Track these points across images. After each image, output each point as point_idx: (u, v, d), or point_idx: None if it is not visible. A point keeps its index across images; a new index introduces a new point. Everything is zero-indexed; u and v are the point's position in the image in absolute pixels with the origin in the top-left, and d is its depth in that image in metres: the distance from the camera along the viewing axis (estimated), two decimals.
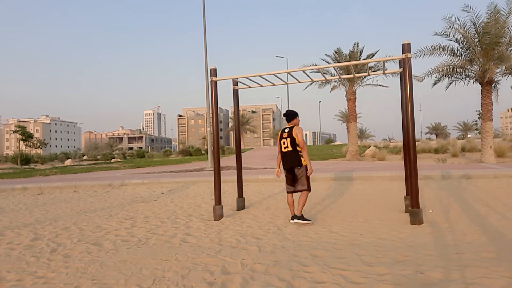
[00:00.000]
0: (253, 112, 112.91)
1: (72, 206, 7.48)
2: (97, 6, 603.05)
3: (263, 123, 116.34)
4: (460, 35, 14.21)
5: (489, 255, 3.28)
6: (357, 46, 20.35)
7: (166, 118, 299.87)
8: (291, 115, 5.04)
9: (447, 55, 14.94)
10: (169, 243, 4.31)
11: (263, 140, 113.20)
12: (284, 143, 4.99)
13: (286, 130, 5.03)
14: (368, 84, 20.57)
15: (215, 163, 5.82)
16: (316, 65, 18.47)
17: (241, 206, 6.36)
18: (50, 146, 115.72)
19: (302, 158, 4.92)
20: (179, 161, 24.23)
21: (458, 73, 15.18)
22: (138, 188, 10.08)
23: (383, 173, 9.73)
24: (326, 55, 20.92)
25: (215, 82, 5.79)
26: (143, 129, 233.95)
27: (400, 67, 5.32)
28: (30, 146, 41.28)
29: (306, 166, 4.92)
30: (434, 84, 15.94)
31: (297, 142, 4.89)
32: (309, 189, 4.98)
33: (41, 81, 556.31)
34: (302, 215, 5.04)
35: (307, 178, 4.94)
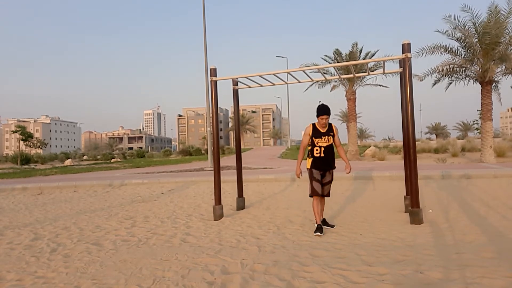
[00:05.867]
0: (253, 112, 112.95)
1: (72, 206, 7.48)
2: (97, 5, 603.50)
3: (263, 123, 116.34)
4: (461, 35, 14.22)
5: (489, 255, 3.28)
6: (356, 46, 20.38)
7: (166, 118, 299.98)
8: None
9: (447, 54, 14.97)
10: (169, 243, 4.31)
11: (263, 140, 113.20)
12: None
13: None
14: (368, 84, 20.61)
15: (215, 163, 5.82)
16: (316, 65, 18.47)
17: (241, 206, 6.36)
18: (50, 146, 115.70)
19: (307, 159, 4.64)
20: (179, 161, 24.23)
21: (458, 73, 15.19)
22: (138, 188, 10.08)
23: (383, 173, 9.73)
24: (326, 55, 20.96)
25: (215, 82, 5.79)
26: (143, 129, 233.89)
27: (400, 67, 5.32)
28: (30, 146, 41.33)
29: (307, 169, 4.61)
30: (434, 84, 15.96)
31: None
32: (310, 194, 4.60)
33: (41, 81, 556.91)
34: (317, 224, 4.48)
35: (310, 182, 4.58)
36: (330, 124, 4.57)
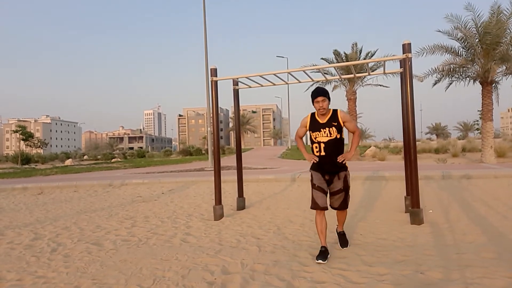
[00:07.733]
0: (253, 112, 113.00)
1: (73, 206, 7.48)
2: (96, 5, 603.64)
3: (263, 123, 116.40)
4: (462, 35, 14.21)
5: (489, 255, 3.28)
6: (356, 46, 20.41)
7: (166, 118, 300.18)
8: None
9: (448, 54, 14.97)
10: (169, 243, 4.31)
11: (264, 140, 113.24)
12: None
13: None
14: (369, 84, 20.64)
15: (215, 163, 5.82)
16: (316, 65, 18.47)
17: (241, 206, 6.36)
18: (51, 146, 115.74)
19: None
20: (179, 161, 24.23)
21: (459, 73, 15.19)
22: (138, 188, 10.08)
23: (383, 173, 9.72)
24: (324, 58, 21.00)
25: (216, 82, 5.78)
26: (144, 129, 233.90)
27: (400, 67, 5.31)
28: (30, 146, 41.43)
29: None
30: (435, 84, 15.96)
31: None
32: (310, 206, 3.55)
33: (41, 81, 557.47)
34: (321, 246, 3.46)
35: (311, 190, 3.58)
36: (334, 112, 3.50)
